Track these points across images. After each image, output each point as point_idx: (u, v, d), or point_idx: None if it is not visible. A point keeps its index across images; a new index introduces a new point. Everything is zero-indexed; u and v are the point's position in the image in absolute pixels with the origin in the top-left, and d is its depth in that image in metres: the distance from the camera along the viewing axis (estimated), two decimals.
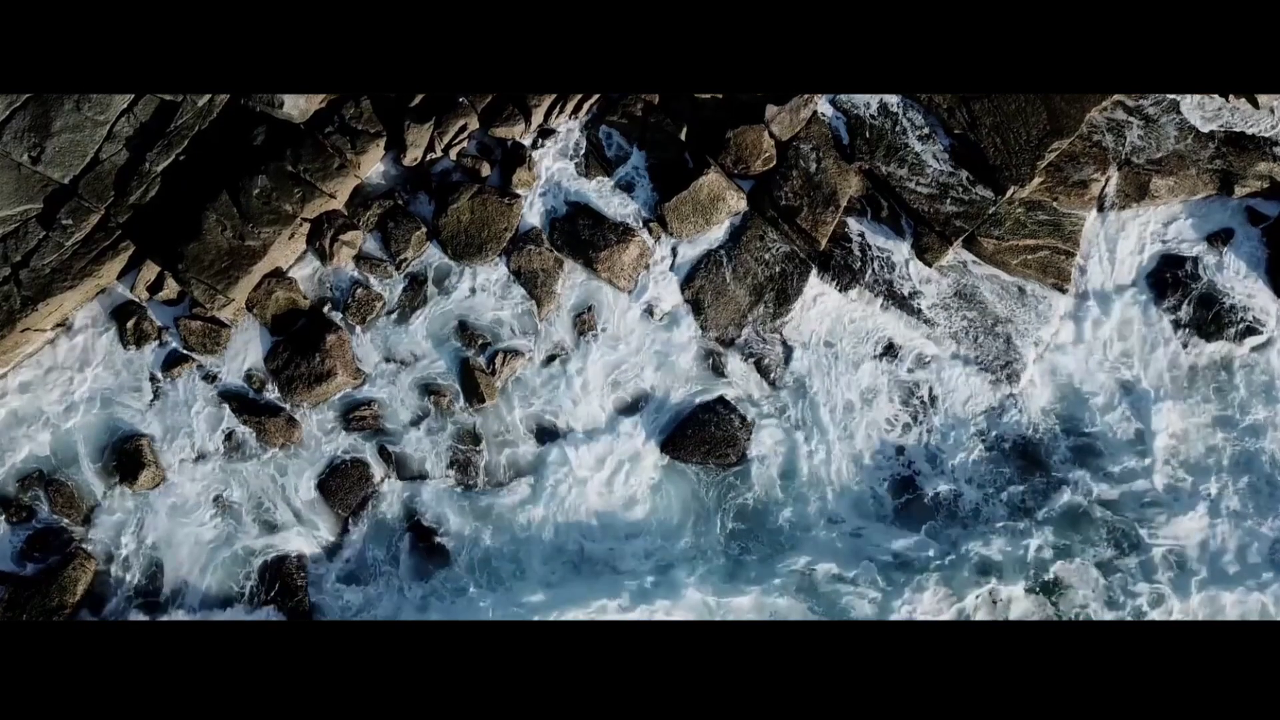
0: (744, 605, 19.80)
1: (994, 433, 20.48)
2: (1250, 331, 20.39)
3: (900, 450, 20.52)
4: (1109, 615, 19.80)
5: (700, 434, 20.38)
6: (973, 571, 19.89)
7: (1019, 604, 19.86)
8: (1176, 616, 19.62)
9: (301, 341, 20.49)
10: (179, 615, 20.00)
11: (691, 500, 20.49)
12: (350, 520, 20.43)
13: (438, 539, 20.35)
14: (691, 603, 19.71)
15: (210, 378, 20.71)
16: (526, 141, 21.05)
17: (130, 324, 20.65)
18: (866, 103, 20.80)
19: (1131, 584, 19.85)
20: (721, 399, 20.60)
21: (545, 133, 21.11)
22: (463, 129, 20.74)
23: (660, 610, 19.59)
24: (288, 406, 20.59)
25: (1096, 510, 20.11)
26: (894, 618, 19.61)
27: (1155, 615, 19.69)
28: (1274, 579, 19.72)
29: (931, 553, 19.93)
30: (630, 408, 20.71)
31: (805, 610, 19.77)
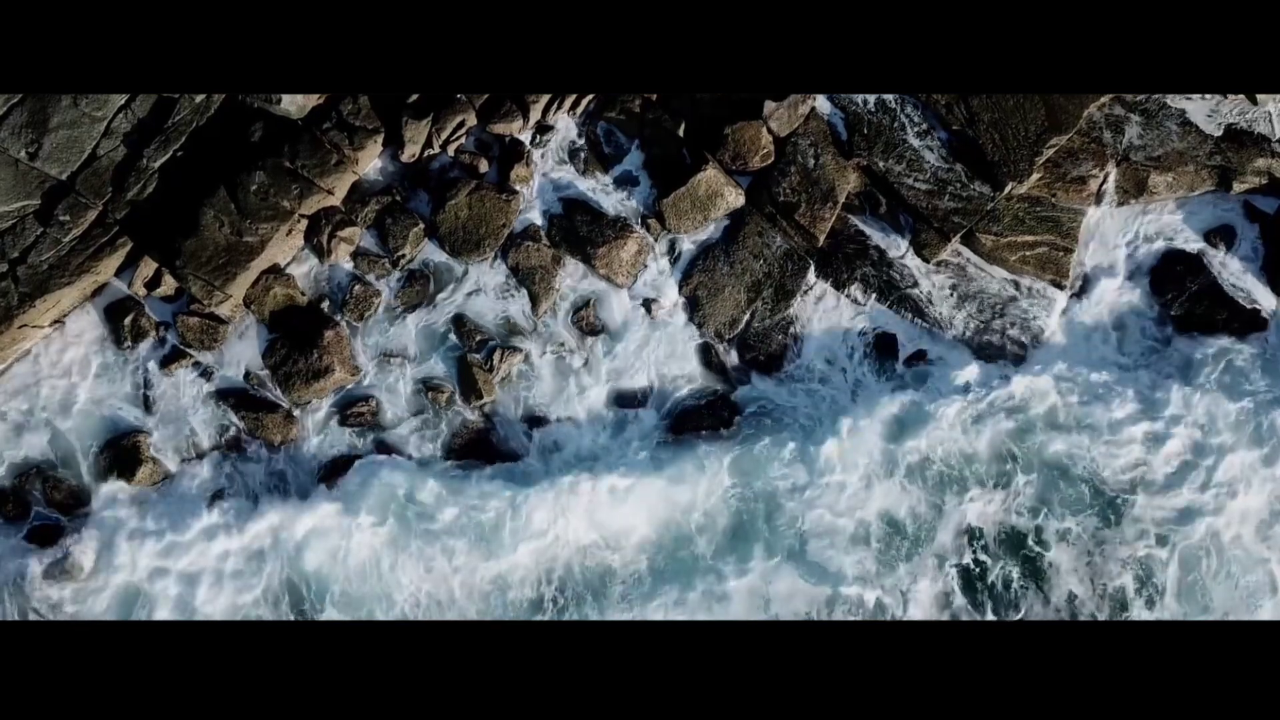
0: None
1: (993, 424, 20.44)
2: (1247, 326, 20.41)
3: (900, 439, 20.47)
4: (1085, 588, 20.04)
5: (702, 422, 20.40)
6: (958, 533, 20.18)
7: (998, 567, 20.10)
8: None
9: (299, 338, 20.49)
10: (177, 613, 20.00)
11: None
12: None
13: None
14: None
15: (208, 374, 20.70)
16: (524, 138, 21.06)
17: (128, 320, 20.63)
18: (864, 99, 20.81)
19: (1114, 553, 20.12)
20: (720, 395, 20.60)
21: (543, 129, 21.12)
22: (461, 125, 20.74)
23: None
24: (285, 403, 20.59)
25: (1092, 494, 20.23)
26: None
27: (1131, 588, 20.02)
28: None
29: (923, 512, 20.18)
30: (628, 403, 20.71)
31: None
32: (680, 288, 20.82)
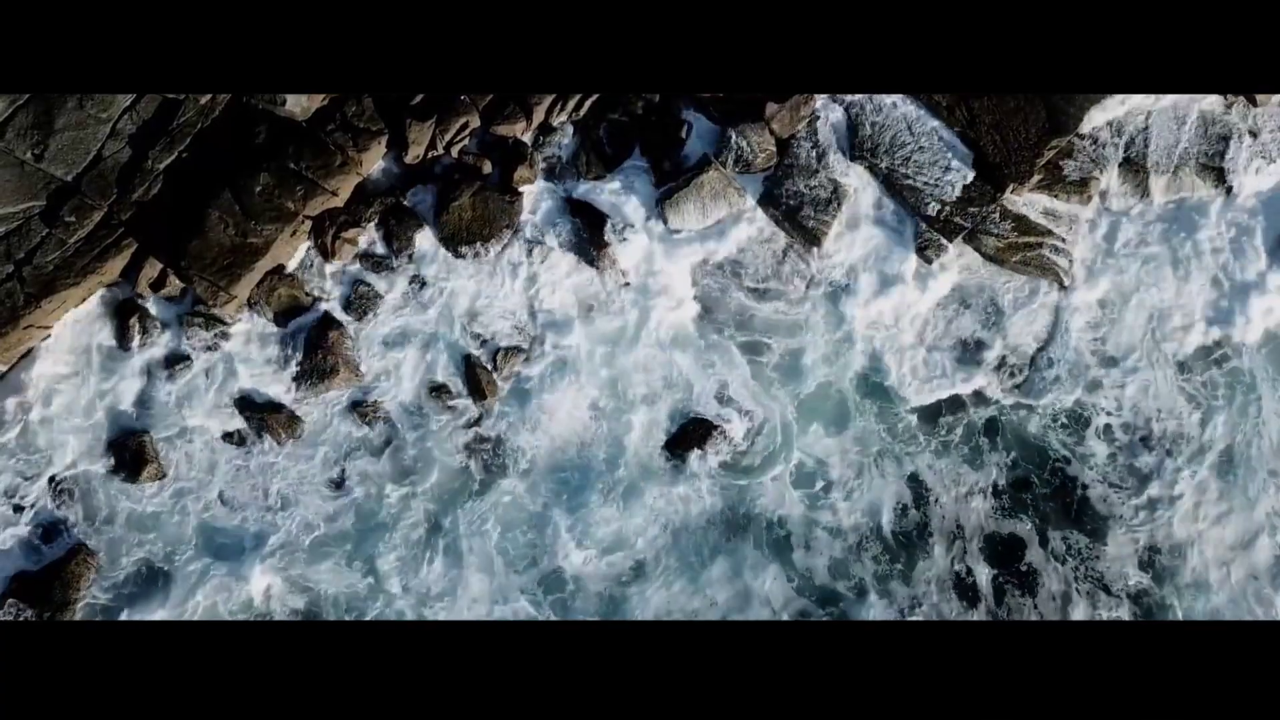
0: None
1: (993, 425, 20.72)
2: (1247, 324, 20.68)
3: (900, 438, 20.78)
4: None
5: (703, 428, 20.54)
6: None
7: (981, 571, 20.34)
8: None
9: (303, 338, 20.56)
10: (178, 613, 20.07)
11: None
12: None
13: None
14: None
15: (212, 374, 20.72)
16: (527, 139, 21.10)
17: (132, 321, 20.66)
18: (866, 100, 20.84)
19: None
20: (725, 395, 20.71)
21: (546, 130, 21.16)
22: (464, 127, 20.79)
23: None
24: (290, 403, 20.63)
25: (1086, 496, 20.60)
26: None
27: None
28: None
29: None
30: (632, 404, 20.75)
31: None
32: (684, 289, 20.89)
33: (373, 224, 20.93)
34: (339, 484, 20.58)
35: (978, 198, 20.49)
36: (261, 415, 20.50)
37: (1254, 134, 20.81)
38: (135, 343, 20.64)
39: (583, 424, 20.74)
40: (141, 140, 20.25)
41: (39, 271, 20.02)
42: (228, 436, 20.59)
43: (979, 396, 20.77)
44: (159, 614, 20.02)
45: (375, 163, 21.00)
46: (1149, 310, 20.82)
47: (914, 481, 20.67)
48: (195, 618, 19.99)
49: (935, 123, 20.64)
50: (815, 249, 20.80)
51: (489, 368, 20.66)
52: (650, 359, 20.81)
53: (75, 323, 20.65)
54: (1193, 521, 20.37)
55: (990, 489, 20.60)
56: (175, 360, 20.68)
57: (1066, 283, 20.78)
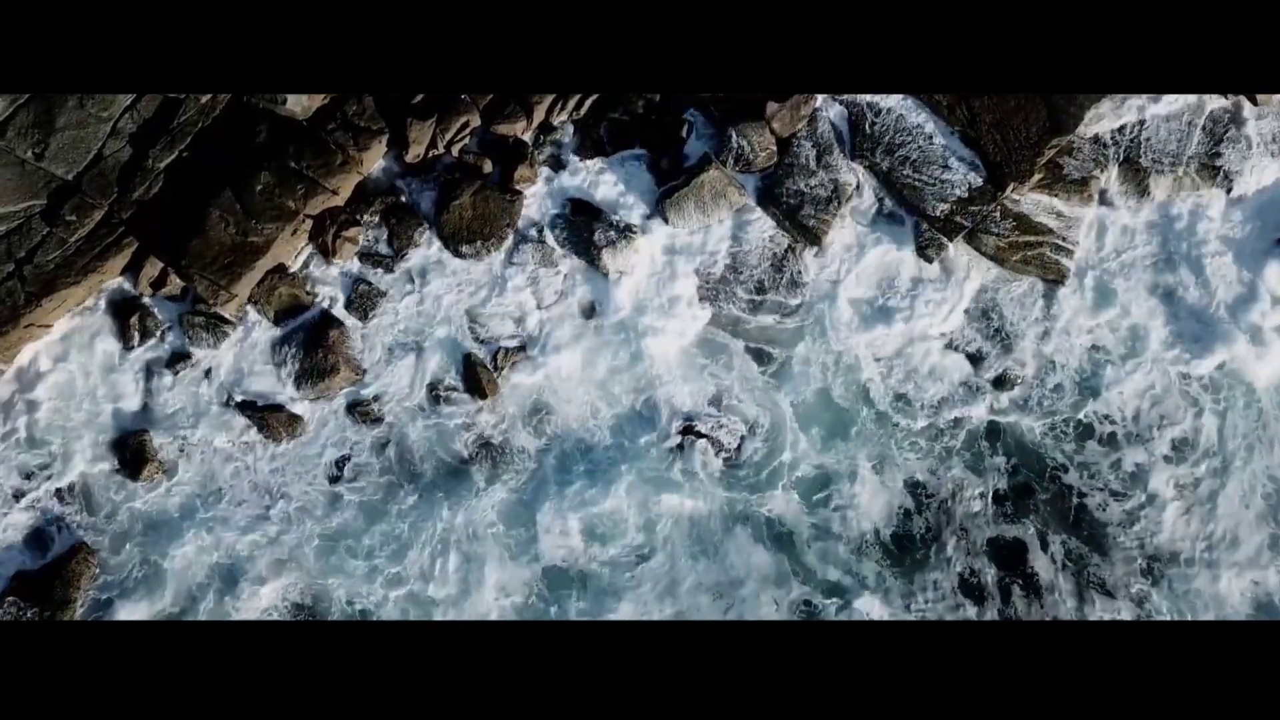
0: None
1: (994, 430, 20.70)
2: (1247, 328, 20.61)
3: (900, 444, 20.73)
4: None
5: (703, 431, 20.51)
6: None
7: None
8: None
9: (304, 337, 20.57)
10: (178, 612, 20.08)
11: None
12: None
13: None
14: None
15: (213, 373, 20.74)
16: (528, 138, 21.13)
17: (133, 320, 20.69)
18: (867, 99, 20.85)
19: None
20: (727, 392, 20.69)
21: (547, 129, 21.19)
22: (465, 126, 20.82)
23: None
24: (291, 402, 20.64)
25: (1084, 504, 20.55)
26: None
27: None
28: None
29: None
30: (635, 404, 20.77)
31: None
32: (685, 287, 20.85)
33: (373, 223, 20.95)
34: (339, 482, 20.59)
35: (978, 197, 20.51)
36: (262, 414, 20.52)
37: (1253, 134, 20.80)
38: (136, 342, 20.70)
39: (583, 423, 20.75)
40: (142, 139, 20.30)
41: (40, 270, 20.05)
42: (228, 435, 20.60)
43: (978, 402, 20.76)
44: (159, 613, 20.02)
45: (376, 162, 21.03)
46: (1149, 312, 20.81)
47: (914, 486, 20.61)
48: (195, 617, 20.01)
49: (935, 122, 20.67)
50: (816, 248, 20.84)
51: (489, 367, 20.68)
52: (650, 360, 20.78)
53: (76, 322, 20.71)
54: (1193, 527, 20.32)
55: (991, 495, 20.56)
56: (176, 359, 20.72)
57: (1068, 282, 20.77)
